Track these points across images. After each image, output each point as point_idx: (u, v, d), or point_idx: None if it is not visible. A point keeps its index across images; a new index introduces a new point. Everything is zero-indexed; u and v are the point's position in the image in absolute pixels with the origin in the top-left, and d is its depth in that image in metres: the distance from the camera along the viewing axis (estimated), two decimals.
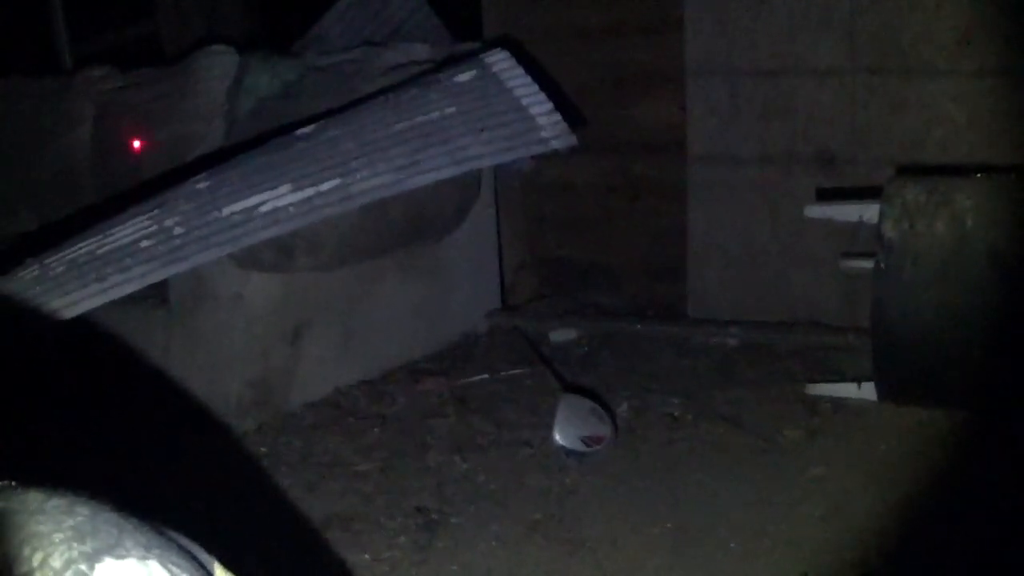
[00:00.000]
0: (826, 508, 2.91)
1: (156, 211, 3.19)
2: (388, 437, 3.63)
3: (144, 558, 0.89)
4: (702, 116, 4.37)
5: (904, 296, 3.27)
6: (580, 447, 3.31)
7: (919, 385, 3.32)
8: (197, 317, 3.74)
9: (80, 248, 3.12)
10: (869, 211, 3.40)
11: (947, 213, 3.21)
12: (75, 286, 3.02)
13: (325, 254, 3.87)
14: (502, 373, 4.14)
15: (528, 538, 2.90)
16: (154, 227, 3.14)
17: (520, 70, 3.59)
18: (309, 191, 3.24)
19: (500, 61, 3.61)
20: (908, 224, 3.25)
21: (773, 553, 2.71)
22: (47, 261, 3.10)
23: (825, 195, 4.04)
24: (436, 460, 3.41)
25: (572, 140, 3.55)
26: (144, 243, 3.11)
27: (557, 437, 3.31)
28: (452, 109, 3.47)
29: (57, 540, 0.87)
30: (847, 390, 3.58)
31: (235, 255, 3.49)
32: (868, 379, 3.47)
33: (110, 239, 3.13)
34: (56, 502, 0.92)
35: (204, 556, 1.01)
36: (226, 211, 3.18)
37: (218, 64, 3.90)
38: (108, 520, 0.92)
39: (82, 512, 0.91)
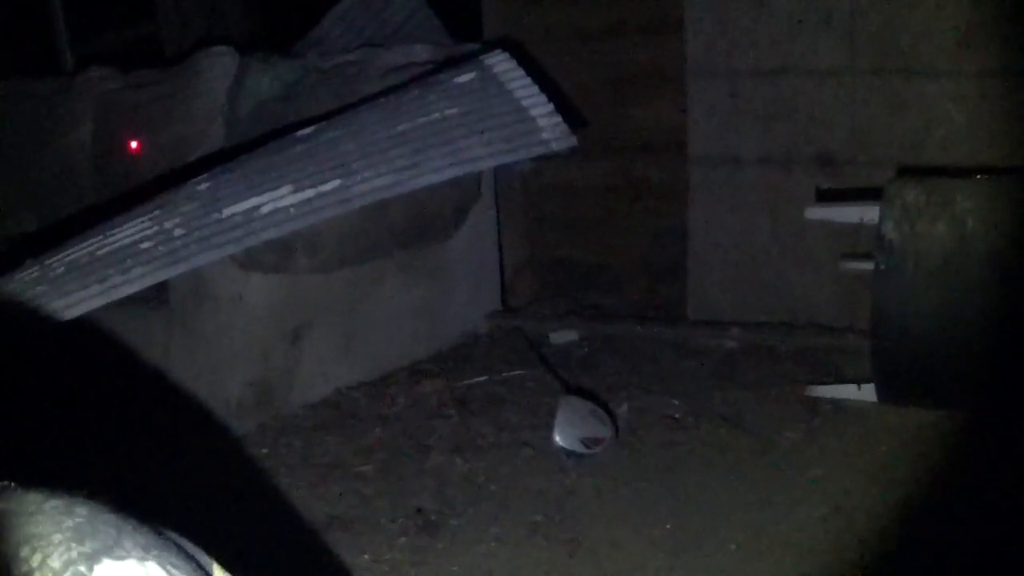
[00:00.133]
0: (826, 509, 2.91)
1: (156, 212, 3.18)
2: (388, 438, 3.63)
3: (143, 559, 0.89)
4: (702, 117, 4.37)
5: (904, 297, 3.27)
6: (580, 448, 3.31)
7: (919, 386, 3.32)
8: (197, 318, 3.74)
9: (80, 249, 3.12)
10: (869, 212, 3.40)
11: (947, 214, 3.21)
12: (75, 287, 3.02)
13: (325, 255, 3.87)
14: (502, 374, 4.14)
15: (528, 539, 2.90)
16: (154, 228, 3.14)
17: (520, 71, 3.59)
18: (309, 192, 3.24)
19: (500, 62, 3.60)
20: (908, 225, 3.25)
21: (773, 554, 2.71)
22: (47, 262, 3.10)
23: (825, 196, 4.04)
24: (436, 461, 3.41)
25: (572, 141, 3.54)
26: (144, 244, 3.11)
27: (557, 438, 3.31)
28: (452, 110, 3.47)
29: (56, 541, 0.87)
30: (847, 391, 3.58)
31: (236, 256, 3.49)
32: (868, 380, 3.47)
33: (110, 240, 3.13)
34: (55, 503, 0.92)
35: (203, 557, 1.01)
36: (226, 212, 3.18)
37: (218, 65, 3.90)
38: (107, 521, 0.91)
39: (81, 513, 0.91)
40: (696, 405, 3.69)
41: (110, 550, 0.88)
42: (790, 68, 4.17)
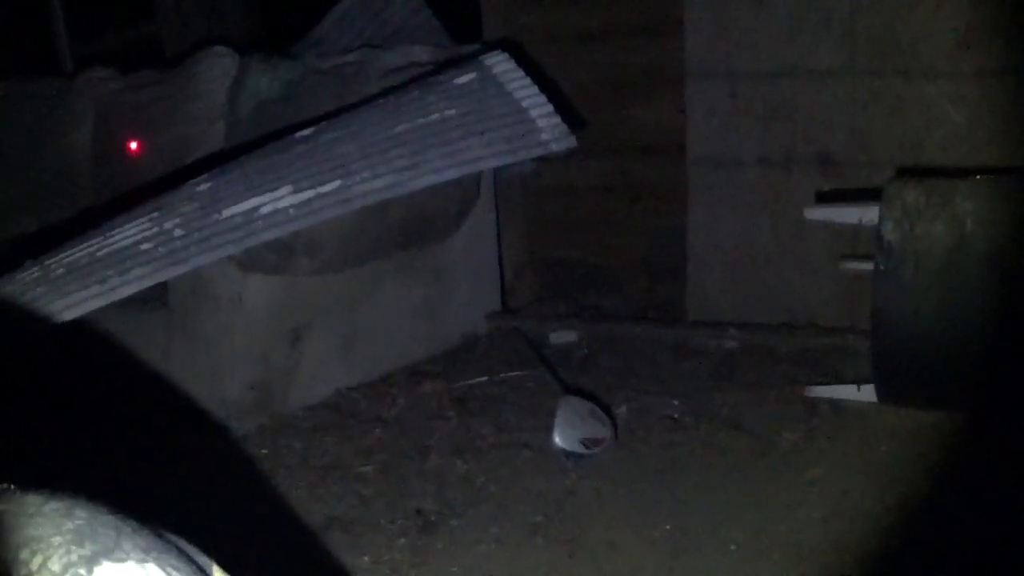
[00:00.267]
0: (826, 510, 2.91)
1: (156, 213, 3.19)
2: (388, 439, 3.63)
3: (143, 561, 0.89)
4: (702, 118, 4.37)
5: (904, 298, 3.27)
6: (580, 449, 3.31)
7: (919, 387, 3.32)
8: (197, 319, 3.74)
9: (80, 250, 3.12)
10: (869, 213, 3.40)
11: (947, 215, 3.21)
12: (75, 288, 3.02)
13: (325, 256, 3.87)
14: (502, 375, 4.14)
15: (528, 540, 2.90)
16: (154, 229, 3.14)
17: (520, 72, 3.59)
18: (309, 193, 3.24)
19: (500, 63, 3.61)
20: (908, 226, 3.25)
21: (772, 554, 2.71)
22: (47, 263, 3.10)
23: (825, 197, 4.04)
24: (436, 462, 3.41)
25: (572, 142, 3.55)
26: (144, 245, 3.11)
27: (557, 439, 3.31)
28: (452, 111, 3.47)
29: (56, 543, 0.87)
30: (847, 392, 3.58)
31: (235, 257, 3.49)
32: (868, 381, 3.47)
33: (110, 241, 3.13)
34: (54, 505, 0.92)
35: (203, 559, 1.01)
36: (226, 213, 3.18)
37: (218, 66, 3.90)
38: (106, 523, 0.92)
39: (80, 515, 0.91)
40: (696, 406, 3.70)
41: (110, 552, 0.88)
42: (790, 69, 4.17)
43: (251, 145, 3.53)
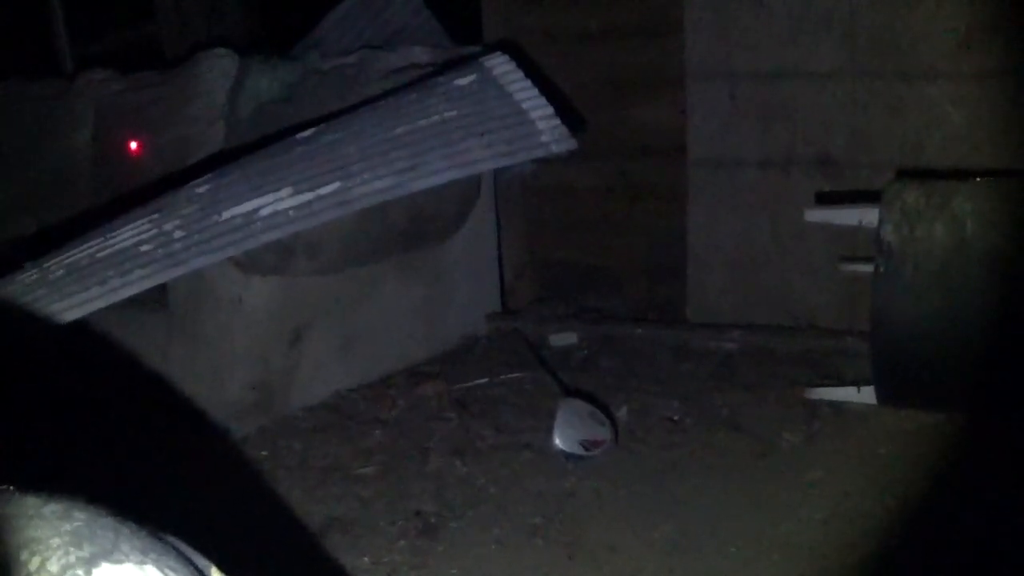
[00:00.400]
0: (826, 511, 2.91)
1: (156, 214, 3.18)
2: (388, 440, 3.63)
3: (141, 563, 0.89)
4: (702, 119, 4.37)
5: (904, 300, 3.27)
6: (580, 451, 3.31)
7: (918, 389, 3.32)
8: (197, 320, 3.74)
9: (80, 251, 3.12)
10: (869, 215, 3.40)
11: (946, 216, 3.21)
12: (75, 289, 3.02)
13: (325, 257, 3.87)
14: (502, 376, 4.14)
15: (528, 542, 2.90)
16: (154, 230, 3.14)
17: (520, 73, 3.59)
18: (309, 195, 3.24)
19: (500, 64, 3.61)
20: (907, 228, 3.25)
21: (772, 556, 2.71)
22: (47, 264, 3.10)
23: (825, 198, 4.05)
24: (436, 464, 3.41)
25: (572, 143, 3.54)
26: (144, 246, 3.10)
27: (557, 441, 3.31)
28: (452, 113, 3.47)
29: (54, 545, 0.87)
30: (847, 394, 3.58)
31: (235, 258, 3.49)
32: (868, 383, 3.47)
33: (110, 242, 3.13)
34: (53, 507, 0.92)
35: (201, 561, 1.01)
36: (226, 214, 3.17)
37: (218, 67, 3.90)
38: (105, 525, 0.92)
39: (79, 517, 0.91)
40: (695, 407, 3.69)
41: (108, 554, 0.88)
42: (790, 70, 4.18)
43: (251, 146, 3.53)
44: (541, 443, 3.44)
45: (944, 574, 2.57)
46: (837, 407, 3.57)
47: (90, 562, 0.87)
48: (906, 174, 3.67)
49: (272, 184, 3.24)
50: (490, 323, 4.73)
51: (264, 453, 3.57)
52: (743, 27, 4.22)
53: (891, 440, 3.31)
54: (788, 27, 4.14)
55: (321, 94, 3.91)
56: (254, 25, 5.48)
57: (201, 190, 3.26)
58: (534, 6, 4.85)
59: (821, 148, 4.17)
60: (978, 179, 3.32)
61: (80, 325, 3.08)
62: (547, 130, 3.50)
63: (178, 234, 3.13)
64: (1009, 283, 3.15)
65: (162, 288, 3.54)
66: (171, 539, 0.99)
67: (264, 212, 3.20)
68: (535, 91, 3.56)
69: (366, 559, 2.85)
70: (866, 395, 3.49)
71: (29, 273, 3.08)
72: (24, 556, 0.86)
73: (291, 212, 3.22)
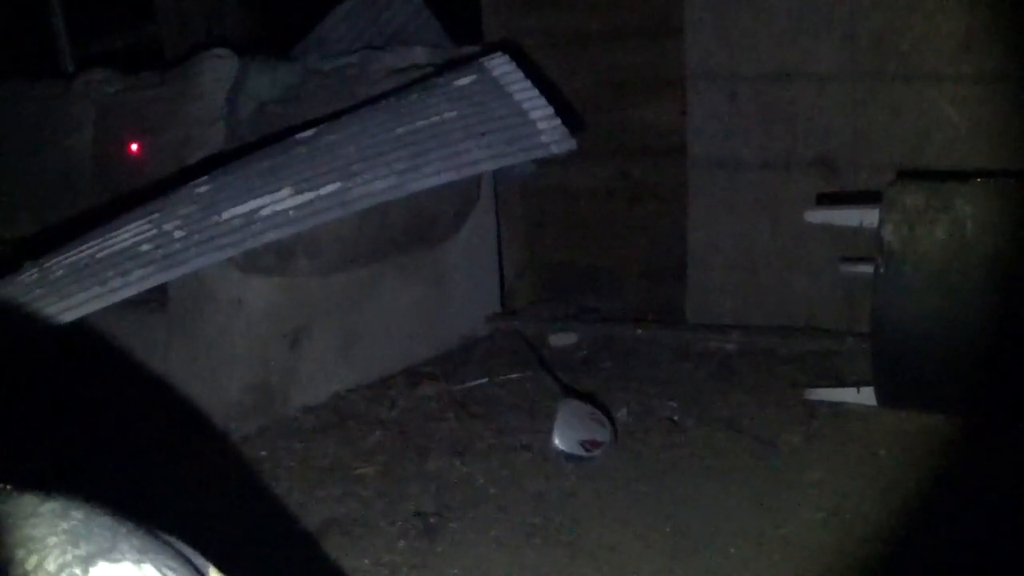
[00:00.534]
0: (825, 512, 2.91)
1: (156, 215, 3.19)
2: (388, 441, 3.63)
3: (139, 562, 0.89)
4: (702, 120, 4.37)
5: (904, 301, 3.27)
6: (579, 451, 3.31)
7: (918, 390, 3.32)
8: (197, 321, 3.74)
9: (80, 251, 3.12)
10: (869, 216, 3.40)
11: (947, 218, 3.21)
12: (75, 289, 3.02)
13: (325, 258, 3.87)
14: (501, 377, 4.14)
15: (527, 542, 2.90)
16: (154, 231, 3.14)
17: (520, 74, 3.59)
18: (309, 195, 3.24)
19: (500, 65, 3.61)
20: (908, 229, 3.25)
21: (772, 556, 2.71)
22: (47, 264, 3.10)
23: (825, 199, 4.04)
24: (435, 464, 3.41)
25: (572, 144, 3.54)
26: (144, 247, 3.11)
27: (556, 441, 3.31)
28: (452, 113, 3.47)
29: (52, 544, 0.87)
30: (846, 395, 3.57)
31: (235, 259, 3.49)
32: (867, 384, 3.47)
33: (110, 243, 3.13)
34: (51, 506, 0.92)
35: (200, 560, 1.01)
36: (226, 215, 3.18)
37: (219, 67, 3.90)
38: (103, 524, 0.91)
39: (77, 516, 0.91)
40: (695, 408, 3.69)
41: (106, 553, 0.88)
42: (790, 71, 4.17)
43: (251, 147, 3.54)
44: (541, 444, 3.44)
45: (944, 574, 2.57)
46: (837, 408, 3.57)
47: (87, 561, 0.86)
48: (907, 175, 3.67)
49: (272, 184, 3.25)
50: (490, 323, 4.73)
51: (264, 453, 3.57)
52: (743, 28, 4.22)
53: (891, 441, 3.31)
54: (788, 28, 4.13)
55: (321, 95, 3.91)
56: (254, 25, 5.48)
57: (201, 190, 3.26)
58: (534, 7, 4.85)
59: (821, 149, 4.17)
60: (979, 180, 3.32)
61: (80, 325, 3.08)
62: (547, 131, 3.51)
63: (178, 234, 3.14)
64: (1009, 284, 3.15)
65: (162, 288, 3.54)
66: (169, 538, 0.99)
67: (264, 212, 3.20)
68: (535, 92, 3.56)
69: (365, 559, 2.85)
70: (866, 396, 3.48)
71: (29, 273, 3.09)
72: (21, 555, 0.86)
73: (291, 212, 3.22)
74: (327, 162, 3.32)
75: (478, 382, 4.11)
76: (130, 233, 3.14)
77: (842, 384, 3.68)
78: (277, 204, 3.22)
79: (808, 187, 4.16)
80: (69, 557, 0.86)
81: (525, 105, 3.53)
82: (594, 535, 2.90)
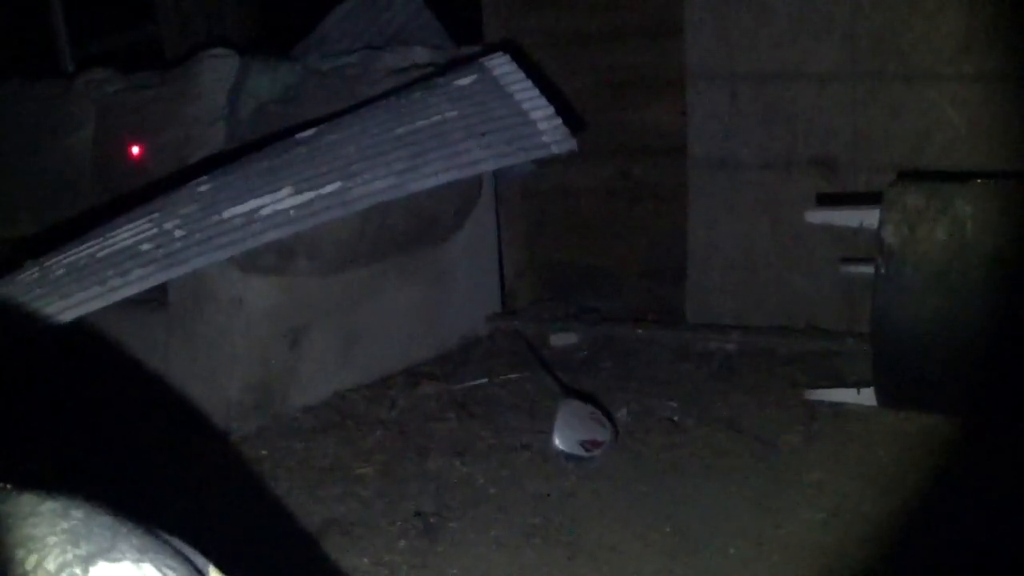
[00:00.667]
0: (825, 512, 2.91)
1: (156, 214, 3.19)
2: (387, 441, 3.63)
3: (138, 561, 0.89)
4: (702, 120, 4.37)
5: (904, 301, 3.27)
6: (579, 451, 3.31)
7: (919, 390, 3.32)
8: (197, 320, 3.74)
9: (80, 251, 3.12)
10: (869, 216, 3.40)
11: (947, 218, 3.21)
12: (75, 289, 3.02)
13: (325, 258, 3.87)
14: (502, 377, 4.14)
15: (527, 542, 2.89)
16: (154, 230, 3.14)
17: (520, 74, 3.59)
18: (310, 195, 3.24)
19: (501, 65, 3.61)
20: (908, 229, 3.25)
21: (772, 557, 2.71)
22: (47, 264, 3.10)
23: (825, 200, 4.04)
24: (436, 464, 3.41)
25: (572, 144, 3.54)
26: (144, 246, 3.11)
27: (556, 441, 3.31)
28: (453, 113, 3.47)
29: (51, 543, 0.87)
30: (847, 395, 3.57)
31: (236, 258, 3.49)
32: (868, 384, 3.47)
33: (110, 242, 3.13)
34: (51, 505, 0.92)
35: (199, 560, 1.01)
36: (226, 214, 3.18)
37: (219, 67, 3.90)
38: (103, 523, 0.91)
39: (76, 515, 0.91)
40: (695, 408, 3.69)
41: (105, 552, 0.88)
42: (791, 71, 4.17)
43: (251, 146, 3.53)
44: (541, 444, 3.43)
45: (944, 574, 2.57)
46: (837, 408, 3.57)
47: (87, 560, 0.86)
48: (907, 175, 3.67)
49: (272, 184, 3.25)
50: (490, 323, 4.73)
51: (264, 453, 3.57)
52: (743, 28, 4.22)
53: (891, 441, 3.30)
54: (789, 28, 4.13)
55: (321, 94, 3.91)
56: (254, 25, 5.48)
57: (201, 190, 3.26)
58: (534, 7, 4.85)
59: (822, 149, 4.17)
60: (979, 181, 3.32)
61: (80, 325, 3.08)
62: (548, 131, 3.50)
63: (178, 234, 3.14)
64: (1009, 284, 3.15)
65: (162, 288, 3.54)
66: (169, 538, 0.99)
67: (264, 212, 3.20)
68: (536, 92, 3.56)
69: (365, 559, 2.85)
70: (866, 396, 3.48)
71: (29, 273, 3.09)
72: (21, 554, 0.86)
73: (291, 212, 3.22)
74: (327, 162, 3.32)
75: (478, 382, 4.11)
76: (130, 232, 3.14)
77: (842, 384, 3.68)
78: (277, 204, 3.22)
79: (808, 187, 4.16)
80: (69, 556, 0.86)
81: (525, 105, 3.53)
82: (594, 535, 2.90)
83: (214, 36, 4.89)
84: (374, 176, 3.31)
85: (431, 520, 3.04)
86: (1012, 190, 3.26)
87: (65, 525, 0.89)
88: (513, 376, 4.13)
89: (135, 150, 4.08)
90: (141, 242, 3.12)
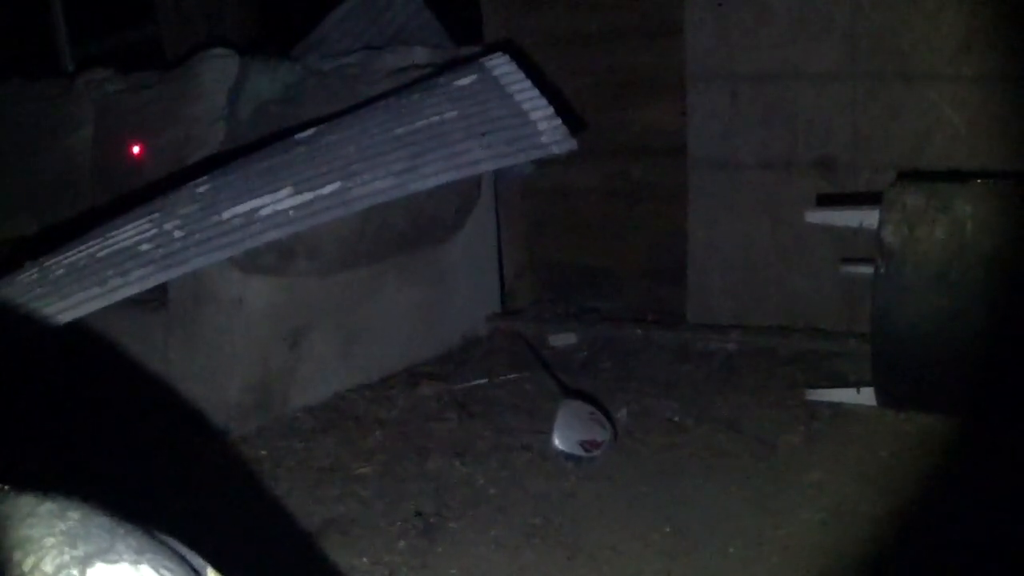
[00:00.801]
0: (825, 513, 2.91)
1: (156, 214, 3.19)
2: (387, 441, 3.63)
3: (136, 562, 0.89)
4: (702, 120, 4.36)
5: (904, 301, 3.26)
6: (579, 452, 3.31)
7: (918, 390, 3.32)
8: (197, 320, 3.74)
9: (80, 251, 3.12)
10: (869, 216, 3.39)
11: (947, 219, 3.21)
12: (75, 289, 3.02)
13: (325, 258, 3.87)
14: (502, 377, 4.14)
15: (527, 543, 2.89)
16: (154, 230, 3.14)
17: (520, 74, 3.59)
18: (309, 195, 3.24)
19: (500, 65, 3.61)
20: (908, 229, 3.25)
21: (772, 558, 2.71)
22: (47, 264, 3.10)
23: (825, 200, 4.04)
24: (435, 464, 3.41)
25: (572, 144, 3.54)
26: (144, 246, 3.11)
27: (556, 442, 3.31)
28: (452, 113, 3.47)
29: (49, 544, 0.87)
30: (846, 395, 3.57)
31: (236, 259, 3.49)
32: (868, 384, 3.46)
33: (110, 242, 3.13)
34: (48, 506, 0.92)
35: (198, 560, 1.01)
36: (226, 215, 3.18)
37: (219, 67, 3.90)
38: (100, 524, 0.91)
39: (74, 516, 0.91)
40: (695, 409, 3.69)
41: (103, 553, 0.88)
42: (791, 72, 4.17)
43: (251, 147, 3.54)
44: (541, 444, 3.43)
45: (944, 574, 2.57)
46: (837, 408, 3.57)
47: (85, 562, 0.86)
48: (907, 176, 3.67)
49: (272, 184, 3.25)
50: (490, 324, 4.73)
51: (264, 453, 3.57)
52: (744, 28, 4.22)
53: (891, 442, 3.30)
54: (789, 28, 4.13)
55: (321, 95, 3.91)
56: (254, 25, 5.48)
57: (201, 190, 3.26)
58: (534, 7, 4.85)
59: (822, 149, 4.17)
60: (978, 181, 3.32)
61: (80, 325, 3.08)
62: (547, 131, 3.50)
63: (178, 234, 3.14)
64: (1009, 285, 3.15)
65: (162, 288, 3.54)
66: (167, 538, 0.99)
67: (264, 212, 3.20)
68: (535, 92, 3.56)
69: (365, 559, 2.85)
70: (866, 396, 3.48)
71: (29, 273, 3.09)
72: (18, 556, 0.86)
73: (291, 212, 3.22)
74: (327, 162, 3.32)
75: (478, 382, 4.11)
76: (130, 232, 3.14)
77: (842, 385, 3.68)
78: (277, 204, 3.22)
79: (808, 187, 4.16)
80: (66, 558, 0.86)
81: (525, 105, 3.53)
82: (594, 535, 2.90)
83: (214, 36, 4.89)
84: (374, 176, 3.31)
85: (431, 520, 3.04)
86: (1012, 190, 3.26)
87: (62, 526, 0.89)
88: (513, 376, 4.13)
89: (135, 150, 4.08)
90: (141, 242, 3.12)
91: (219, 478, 3.37)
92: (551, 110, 3.53)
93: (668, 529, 2.90)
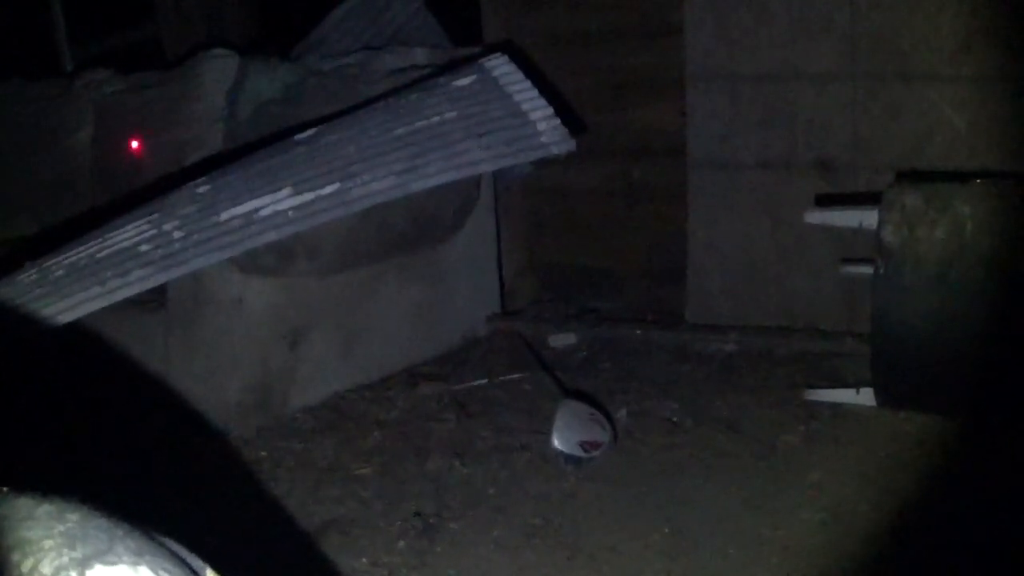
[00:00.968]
0: (825, 513, 2.90)
1: (156, 215, 3.19)
2: (387, 442, 3.63)
3: (135, 564, 0.89)
4: (702, 121, 4.37)
5: (903, 302, 3.27)
6: (579, 452, 3.31)
7: (918, 391, 3.32)
8: (196, 321, 3.74)
9: (80, 252, 3.12)
10: (869, 217, 3.40)
11: (946, 219, 3.21)
12: (74, 289, 3.02)
13: (325, 258, 3.87)
14: (501, 378, 4.14)
15: (527, 543, 2.89)
16: (153, 231, 3.14)
17: (520, 75, 3.59)
18: (309, 195, 3.24)
19: (500, 66, 3.61)
20: (908, 230, 3.25)
21: (771, 558, 2.71)
22: (46, 264, 3.10)
23: (825, 201, 4.04)
24: (435, 465, 3.41)
25: (571, 145, 3.54)
26: (143, 247, 3.11)
27: (556, 442, 3.31)
28: (452, 114, 3.47)
29: (47, 546, 0.87)
30: (846, 396, 3.57)
31: (235, 259, 3.49)
32: (867, 385, 3.46)
33: (110, 243, 3.13)
34: (47, 508, 0.92)
35: (196, 562, 1.01)
36: (226, 215, 3.18)
37: (218, 68, 3.90)
38: (99, 526, 0.91)
39: (72, 518, 0.91)
40: (695, 409, 3.69)
41: (102, 555, 0.88)
42: (790, 72, 4.17)
43: (251, 147, 3.54)
44: (541, 445, 3.43)
45: (944, 574, 2.57)
46: (836, 409, 3.57)
47: (83, 563, 0.86)
48: (906, 176, 3.67)
49: (272, 185, 3.25)
50: (490, 324, 4.73)
51: (263, 453, 3.57)
52: (743, 29, 4.22)
53: (890, 442, 3.30)
54: (788, 29, 4.13)
55: (321, 95, 3.91)
56: (254, 26, 5.48)
57: (201, 190, 3.26)
58: (534, 7, 4.85)
59: (821, 150, 4.17)
60: (978, 181, 3.32)
61: (80, 325, 3.08)
62: (547, 131, 3.51)
63: (177, 234, 3.14)
64: (1008, 285, 3.15)
65: (162, 289, 3.54)
66: (166, 540, 0.99)
67: (264, 212, 3.20)
68: (535, 92, 3.56)
69: (364, 560, 2.85)
70: (865, 397, 3.48)
71: (29, 273, 3.09)
72: (16, 558, 0.86)
73: (291, 213, 3.22)
74: (327, 162, 3.32)
75: (478, 382, 4.11)
76: (130, 233, 3.14)
77: (842, 385, 3.68)
78: (277, 204, 3.22)
79: (808, 188, 4.16)
80: (65, 560, 0.86)
81: (525, 105, 3.53)
82: (593, 536, 2.90)
83: (214, 36, 4.89)
84: (374, 176, 3.31)
85: (430, 521, 3.04)
86: (1011, 191, 3.26)
87: (61, 528, 0.89)
88: (513, 377, 4.13)
89: (135, 150, 4.08)
90: (140, 243, 3.12)
91: (219, 478, 3.37)
92: (551, 110, 3.53)
93: (668, 529, 2.90)
